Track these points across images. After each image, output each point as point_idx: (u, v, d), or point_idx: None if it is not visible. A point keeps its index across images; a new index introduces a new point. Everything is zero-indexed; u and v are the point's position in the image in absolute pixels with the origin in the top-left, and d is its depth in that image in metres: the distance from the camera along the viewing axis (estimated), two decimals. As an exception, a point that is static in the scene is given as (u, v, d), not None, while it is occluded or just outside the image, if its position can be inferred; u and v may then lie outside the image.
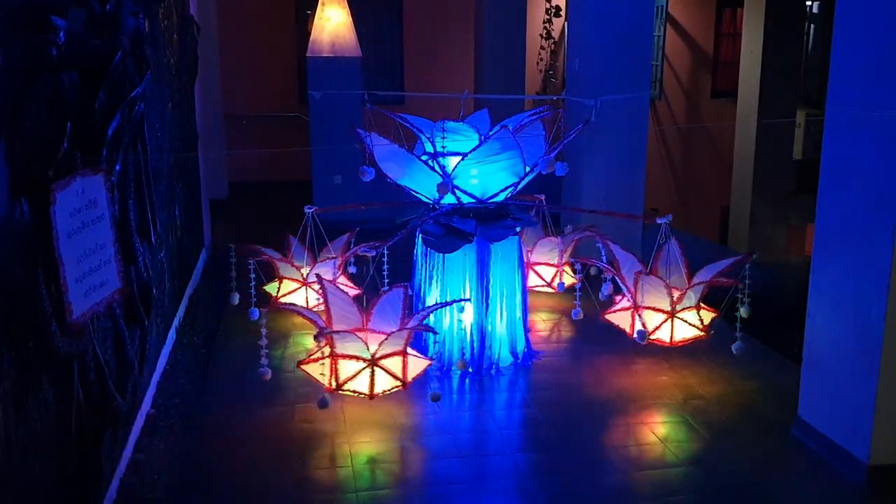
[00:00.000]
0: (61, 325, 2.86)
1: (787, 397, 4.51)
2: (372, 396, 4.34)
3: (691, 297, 4.97)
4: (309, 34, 9.25)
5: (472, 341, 5.15)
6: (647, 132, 7.63)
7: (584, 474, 4.02)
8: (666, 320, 4.90)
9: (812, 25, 12.92)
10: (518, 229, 5.20)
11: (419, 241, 5.26)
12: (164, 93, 5.38)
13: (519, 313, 5.28)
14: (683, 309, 4.92)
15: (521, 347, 5.31)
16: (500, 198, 5.09)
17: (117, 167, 3.69)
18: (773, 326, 5.99)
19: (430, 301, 5.21)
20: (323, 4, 9.03)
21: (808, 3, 12.50)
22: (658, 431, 4.43)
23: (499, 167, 4.95)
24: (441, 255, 5.10)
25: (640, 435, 4.41)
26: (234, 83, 11.07)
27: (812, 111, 12.12)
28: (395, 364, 4.40)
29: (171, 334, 5.41)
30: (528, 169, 5.01)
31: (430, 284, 5.20)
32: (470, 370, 5.12)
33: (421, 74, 12.05)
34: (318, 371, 4.42)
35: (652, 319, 4.96)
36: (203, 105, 7.83)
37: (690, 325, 4.94)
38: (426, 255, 5.22)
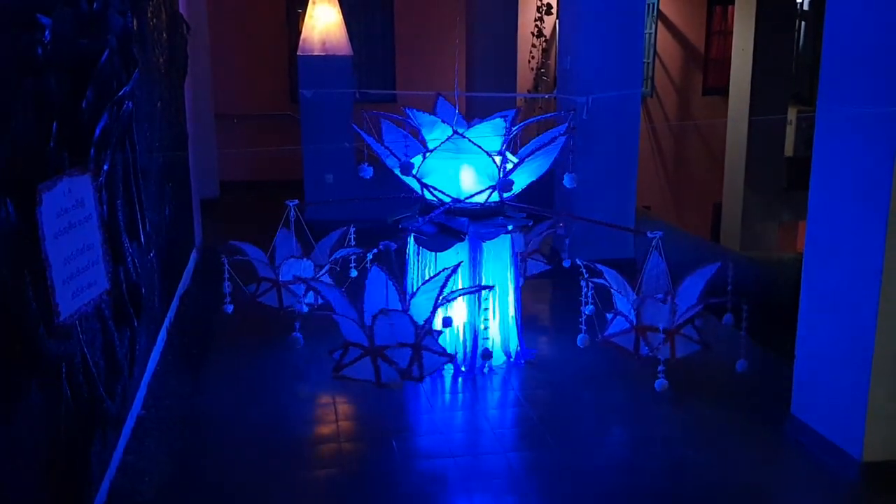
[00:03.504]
0: (49, 326, 2.83)
1: (780, 395, 4.50)
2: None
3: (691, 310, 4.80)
4: (300, 33, 9.22)
5: (464, 340, 5.13)
6: (639, 130, 7.63)
7: (578, 473, 4.00)
8: (667, 339, 4.70)
9: (803, 22, 12.95)
10: (510, 227, 5.19)
11: (411, 239, 5.25)
12: (153, 92, 5.34)
13: (512, 312, 5.27)
14: (681, 325, 4.76)
15: (513, 346, 5.29)
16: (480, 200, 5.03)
17: (105, 167, 3.65)
18: (766, 323, 6.00)
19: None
20: (314, 3, 9.00)
21: None
22: (651, 429, 4.43)
23: (524, 167, 4.92)
24: (433, 253, 5.08)
25: (633, 433, 4.41)
26: (225, 82, 11.02)
27: (803, 108, 12.15)
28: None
29: (162, 335, 5.37)
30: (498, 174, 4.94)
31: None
32: (463, 369, 5.11)
33: (412, 73, 12.02)
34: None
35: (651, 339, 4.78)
36: (193, 104, 7.78)
37: (691, 339, 4.80)
38: (418, 254, 5.20)
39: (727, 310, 4.63)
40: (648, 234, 4.83)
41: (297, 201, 5.51)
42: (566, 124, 5.09)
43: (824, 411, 4.07)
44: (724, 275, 4.65)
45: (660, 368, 4.55)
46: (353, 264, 5.41)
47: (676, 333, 4.72)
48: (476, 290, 4.87)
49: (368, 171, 5.20)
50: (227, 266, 5.08)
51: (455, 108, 5.17)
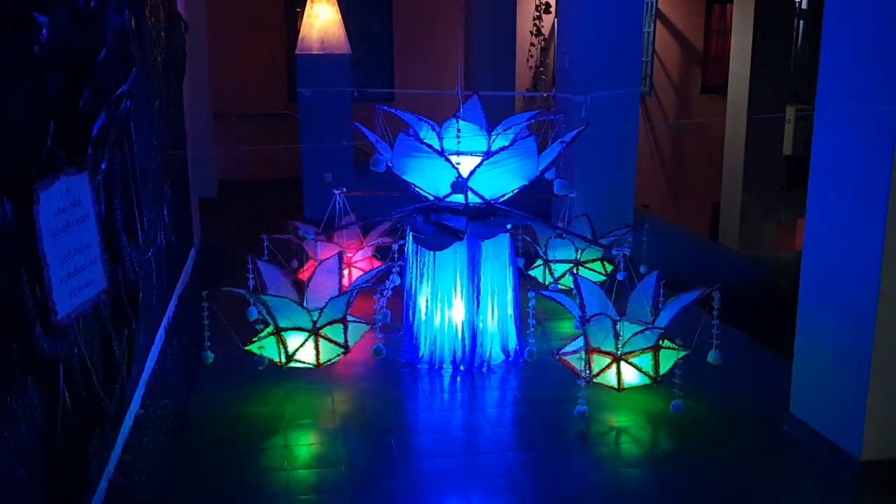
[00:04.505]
0: (46, 326, 2.82)
1: (778, 393, 4.50)
2: (318, 366, 4.74)
3: (648, 338, 4.43)
4: (298, 31, 9.22)
5: (463, 339, 5.13)
6: (637, 128, 7.63)
7: (576, 472, 4.00)
8: (610, 365, 4.47)
9: (801, 21, 12.95)
10: (509, 227, 5.18)
11: (409, 238, 5.24)
12: (152, 91, 5.33)
13: (510, 311, 5.26)
14: (634, 352, 4.44)
15: (512, 345, 5.29)
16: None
17: (103, 166, 3.65)
18: (764, 322, 6.00)
19: (421, 300, 5.19)
20: (312, 2, 8.99)
21: (797, -2, 12.54)
22: (649, 429, 4.42)
23: (508, 169, 4.90)
24: (431, 252, 5.07)
25: (631, 432, 4.40)
26: (224, 81, 11.01)
27: (802, 107, 12.16)
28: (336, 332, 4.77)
29: (160, 334, 5.37)
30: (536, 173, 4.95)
31: (421, 282, 5.18)
32: (462, 368, 5.10)
33: (411, 71, 12.02)
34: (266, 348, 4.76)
35: (599, 363, 4.53)
36: (192, 103, 7.78)
37: (639, 370, 4.47)
38: (417, 253, 5.19)
39: (713, 345, 4.39)
40: (614, 252, 4.71)
41: (344, 189, 5.85)
42: (578, 128, 5.10)
43: (823, 410, 4.07)
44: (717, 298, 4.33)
45: (580, 393, 4.32)
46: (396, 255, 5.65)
47: (623, 361, 4.44)
48: (362, 286, 5.07)
49: (382, 164, 5.17)
50: (266, 243, 5.36)
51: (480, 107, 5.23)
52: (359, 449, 4.22)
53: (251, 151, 10.67)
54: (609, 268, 6.31)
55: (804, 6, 12.89)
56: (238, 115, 11.37)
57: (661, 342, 4.44)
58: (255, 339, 4.78)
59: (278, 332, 4.69)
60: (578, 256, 6.29)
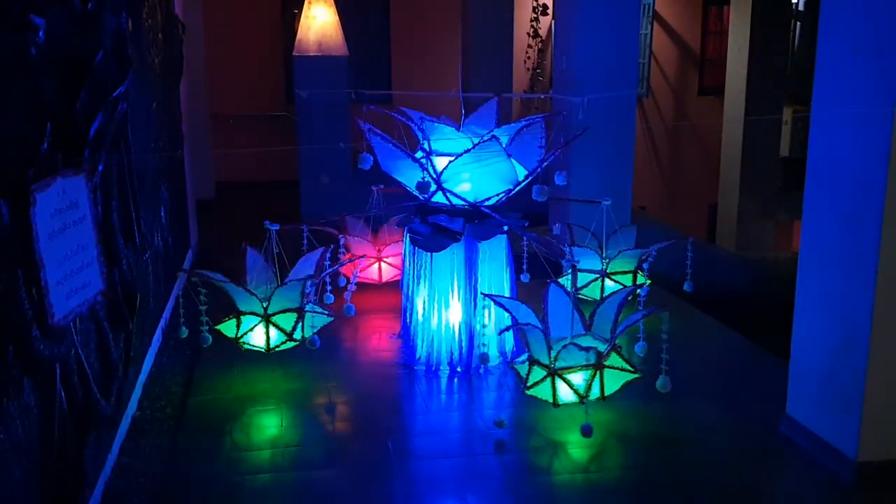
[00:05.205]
0: (43, 327, 2.82)
1: (775, 394, 4.51)
2: (268, 351, 4.94)
3: (587, 355, 4.16)
4: (295, 33, 9.22)
5: (460, 340, 5.13)
6: (635, 130, 7.64)
7: (574, 474, 4.00)
8: (545, 378, 4.23)
9: (798, 23, 12.96)
10: (506, 228, 5.18)
11: (407, 239, 5.25)
12: (149, 93, 5.33)
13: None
14: (571, 368, 4.19)
15: (509, 346, 5.29)
16: (491, 202, 5.05)
17: (100, 168, 3.64)
18: (761, 323, 6.01)
19: (419, 301, 5.20)
20: (309, 3, 9.00)
21: (794, 0, 12.54)
22: (646, 429, 4.42)
23: (490, 172, 4.89)
24: (429, 254, 5.08)
25: (628, 433, 4.40)
26: (221, 82, 11.02)
27: (798, 108, 12.16)
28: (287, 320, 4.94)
29: (157, 336, 5.37)
30: (521, 178, 4.95)
31: (419, 283, 5.19)
32: (459, 369, 5.10)
33: (408, 73, 12.03)
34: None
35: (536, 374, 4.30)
36: (189, 105, 7.78)
37: (570, 386, 4.21)
38: (414, 254, 5.20)
39: (661, 372, 4.19)
40: (567, 260, 4.71)
41: (381, 185, 5.94)
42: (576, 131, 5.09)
43: (819, 411, 4.08)
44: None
45: (502, 403, 4.14)
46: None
47: (557, 375, 4.19)
48: (315, 278, 5.17)
49: (369, 161, 5.14)
50: (306, 232, 5.50)
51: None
52: (356, 450, 4.22)
53: (249, 153, 10.67)
54: (642, 280, 6.08)
55: (801, 7, 12.90)
56: (235, 117, 11.37)
57: (604, 361, 4.21)
58: (225, 319, 4.99)
59: (238, 316, 4.95)
60: (605, 267, 6.06)
